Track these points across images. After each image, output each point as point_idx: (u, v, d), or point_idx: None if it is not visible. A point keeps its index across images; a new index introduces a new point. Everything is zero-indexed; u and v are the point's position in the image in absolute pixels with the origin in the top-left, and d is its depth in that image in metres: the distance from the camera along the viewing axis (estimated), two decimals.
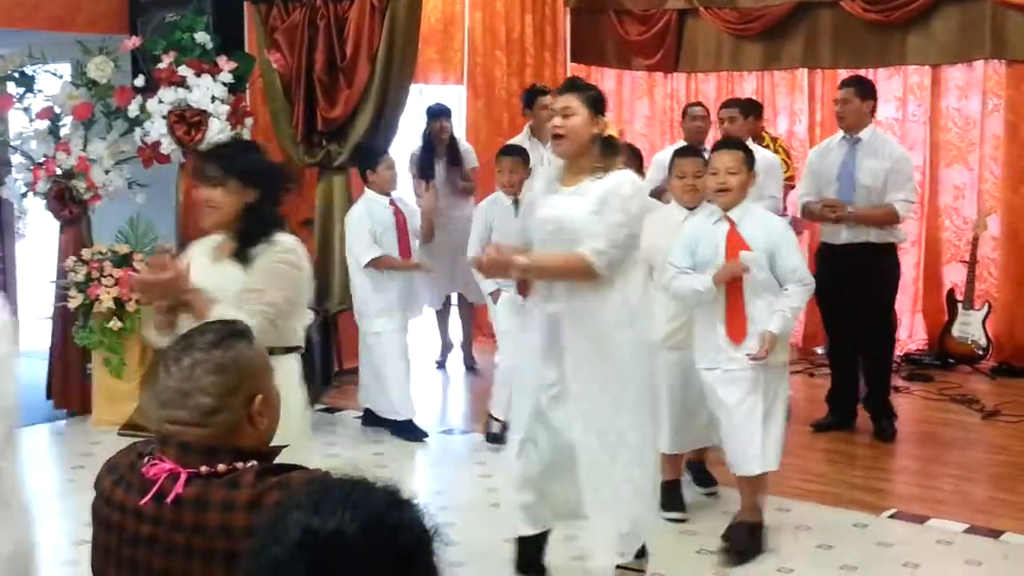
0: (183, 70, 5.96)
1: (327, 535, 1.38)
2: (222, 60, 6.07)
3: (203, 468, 1.87)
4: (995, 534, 4.48)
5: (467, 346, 7.38)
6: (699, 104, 6.82)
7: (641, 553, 3.77)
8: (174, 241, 6.11)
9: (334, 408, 6.41)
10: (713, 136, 6.72)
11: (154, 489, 1.86)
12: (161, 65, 6.00)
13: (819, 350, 7.38)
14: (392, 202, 5.91)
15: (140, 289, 3.26)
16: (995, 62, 7.18)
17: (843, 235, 5.67)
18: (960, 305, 7.12)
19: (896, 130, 7.39)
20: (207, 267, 3.22)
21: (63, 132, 6.11)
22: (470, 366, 7.32)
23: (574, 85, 3.72)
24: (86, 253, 6.03)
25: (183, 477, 1.86)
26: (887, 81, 7.48)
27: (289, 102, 6.77)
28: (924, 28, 7.27)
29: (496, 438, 5.35)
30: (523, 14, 8.30)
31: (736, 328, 4.08)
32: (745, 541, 4.16)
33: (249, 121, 6.26)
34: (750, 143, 5.98)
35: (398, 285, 5.85)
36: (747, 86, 8.15)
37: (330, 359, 6.77)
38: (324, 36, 6.59)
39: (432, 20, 7.70)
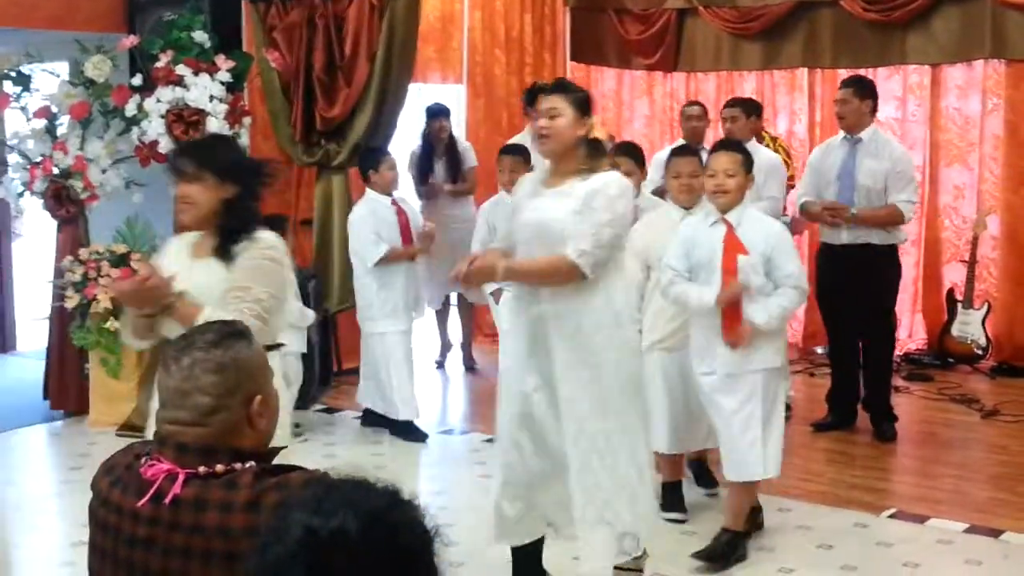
0: (181, 69, 5.95)
1: (328, 535, 1.38)
2: (220, 59, 6.05)
3: (201, 469, 1.86)
4: (995, 534, 4.48)
5: (467, 346, 7.37)
6: (696, 104, 6.81)
7: (639, 554, 3.74)
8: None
9: (333, 408, 6.40)
10: (714, 135, 6.71)
11: (152, 490, 1.86)
12: (159, 64, 5.99)
13: (819, 350, 7.37)
14: (394, 202, 5.90)
15: (122, 298, 3.19)
16: (995, 62, 7.17)
17: (843, 236, 5.66)
18: (960, 305, 7.11)
19: (896, 130, 7.38)
20: (187, 266, 3.17)
21: (60, 131, 6.10)
22: (470, 366, 7.32)
23: (561, 86, 3.69)
24: (83, 253, 6.01)
25: (181, 478, 1.85)
26: (887, 81, 7.47)
27: (288, 101, 6.76)
28: (924, 28, 7.27)
29: None
30: (522, 13, 8.29)
31: (733, 332, 4.06)
32: (724, 548, 4.14)
33: (247, 120, 6.24)
34: (752, 143, 6.00)
35: (403, 285, 5.83)
36: (747, 85, 8.15)
37: (329, 359, 6.75)
38: (323, 35, 6.59)
39: (431, 19, 7.69)
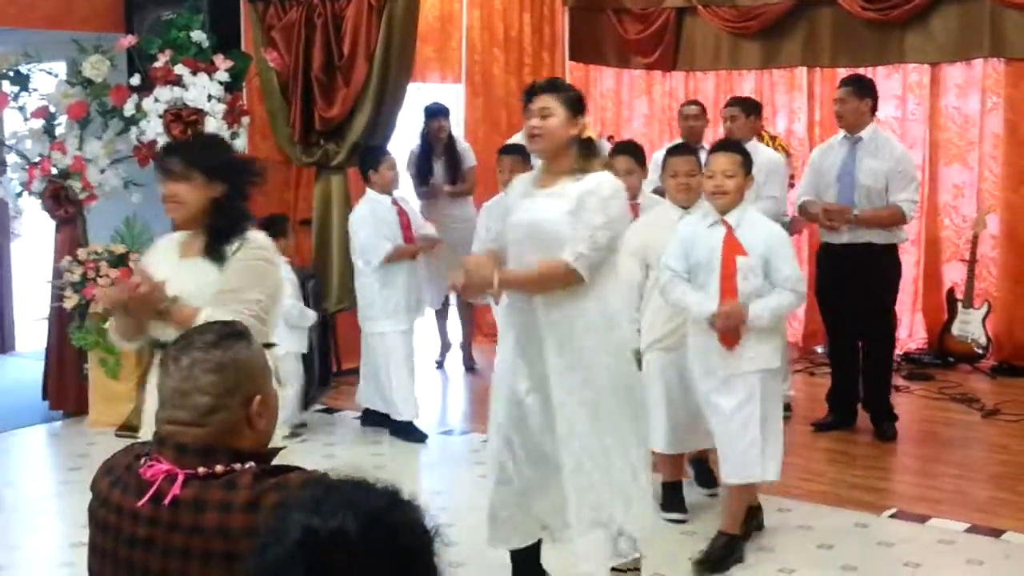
0: (179, 69, 5.94)
1: (328, 535, 1.38)
2: (218, 59, 6.05)
3: (200, 469, 1.86)
4: (996, 533, 4.47)
5: (466, 346, 7.37)
6: (694, 103, 6.81)
7: (636, 555, 3.72)
8: None
9: (333, 409, 6.39)
10: (713, 134, 6.71)
11: (151, 490, 1.86)
12: (157, 64, 5.98)
13: (819, 349, 7.37)
14: (395, 201, 5.89)
15: (114, 307, 3.13)
16: (994, 60, 7.17)
17: (844, 235, 5.64)
18: (960, 304, 7.11)
19: (895, 129, 7.38)
20: (176, 266, 3.14)
21: (58, 131, 6.09)
22: (469, 366, 7.31)
23: (553, 85, 3.66)
24: (82, 253, 6.00)
25: (180, 478, 1.85)
26: (886, 80, 7.46)
27: (286, 101, 6.76)
28: (923, 27, 7.27)
29: None
30: (521, 12, 8.29)
31: (730, 334, 4.04)
32: (721, 552, 4.13)
33: (246, 120, 6.24)
34: (754, 142, 5.99)
35: (404, 284, 5.82)
36: (746, 85, 8.15)
37: (328, 359, 6.74)
38: (321, 34, 6.58)
39: (430, 18, 7.69)
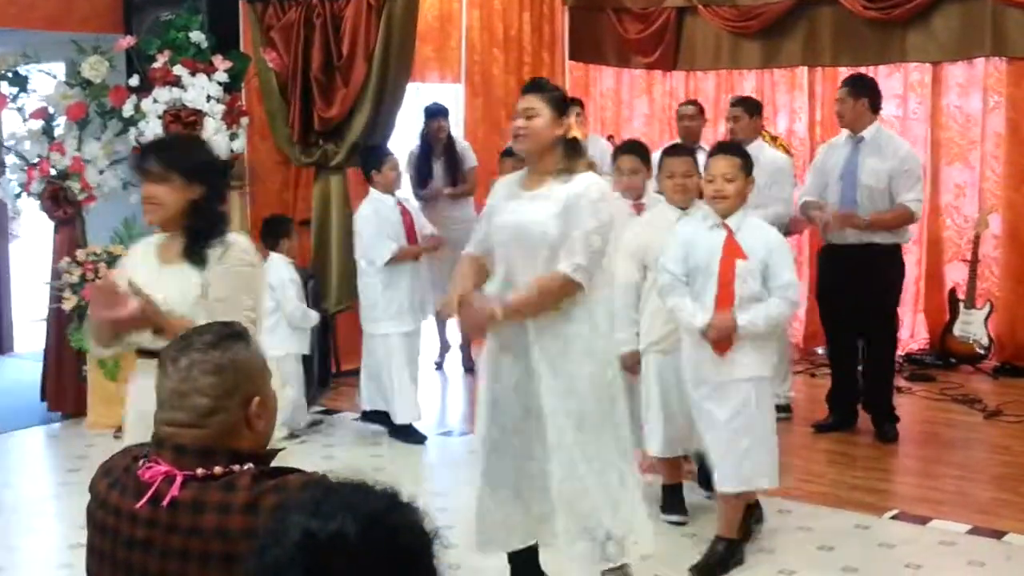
0: (178, 69, 5.94)
1: (327, 537, 1.38)
2: (217, 59, 6.04)
3: (199, 471, 1.86)
4: (998, 535, 4.46)
5: (466, 347, 7.35)
6: (692, 103, 6.80)
7: (625, 561, 3.70)
8: None
9: (332, 410, 6.38)
10: (713, 134, 6.69)
11: (150, 492, 1.85)
12: (156, 64, 5.99)
13: (820, 350, 7.35)
14: (398, 202, 5.88)
15: (110, 327, 3.06)
16: (996, 59, 7.17)
17: (848, 235, 5.61)
18: (962, 304, 7.10)
19: (897, 128, 7.35)
20: (155, 271, 3.11)
21: (57, 132, 6.09)
22: (468, 367, 7.29)
23: (537, 85, 3.66)
24: (80, 254, 5.99)
25: (179, 480, 1.85)
26: (887, 79, 7.45)
27: (285, 101, 6.75)
28: (924, 25, 7.26)
29: None
30: (521, 12, 8.29)
31: (722, 343, 4.00)
32: (719, 557, 4.11)
33: (245, 120, 6.24)
34: (759, 143, 5.99)
35: (408, 285, 5.80)
36: (746, 84, 8.14)
37: (328, 360, 6.73)
38: (320, 35, 6.58)
39: (429, 18, 7.69)
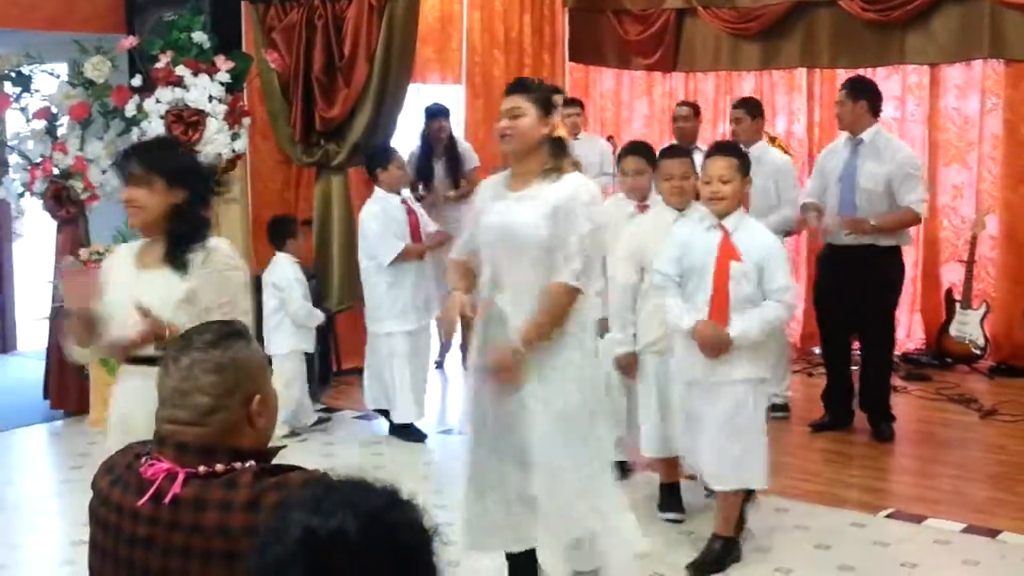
0: (180, 70, 5.96)
1: (328, 534, 1.39)
2: (220, 60, 6.06)
3: (201, 468, 1.87)
4: (993, 533, 4.48)
5: (465, 346, 7.36)
6: (686, 104, 6.82)
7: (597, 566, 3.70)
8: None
9: (332, 408, 6.40)
10: (712, 134, 6.71)
11: (152, 489, 1.86)
12: (158, 65, 6.00)
13: (816, 350, 7.37)
14: (403, 200, 5.89)
15: (86, 329, 3.04)
16: (993, 61, 7.18)
17: (846, 236, 5.60)
18: (958, 305, 7.12)
19: (895, 130, 7.37)
20: (134, 277, 3.07)
21: (60, 132, 6.11)
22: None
23: (521, 85, 3.63)
24: (83, 253, 6.01)
25: (181, 477, 1.86)
26: (886, 81, 7.46)
27: (287, 102, 6.77)
28: (923, 27, 7.27)
29: None
30: (521, 13, 8.30)
31: (714, 351, 3.99)
32: (716, 555, 4.13)
33: (247, 121, 6.25)
34: (762, 144, 6.01)
35: (413, 284, 5.79)
36: (746, 85, 8.16)
37: (329, 359, 6.76)
38: (322, 35, 6.60)
39: (430, 19, 7.70)
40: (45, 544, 4.61)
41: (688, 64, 8.43)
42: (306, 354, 6.00)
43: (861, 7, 7.37)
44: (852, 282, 5.60)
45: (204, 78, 5.98)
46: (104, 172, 6.10)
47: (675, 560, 4.16)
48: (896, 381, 6.53)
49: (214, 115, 5.97)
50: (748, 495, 4.36)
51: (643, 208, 4.69)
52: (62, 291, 3.10)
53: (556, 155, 3.53)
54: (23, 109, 6.09)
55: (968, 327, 7.08)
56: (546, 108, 3.52)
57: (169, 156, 3.14)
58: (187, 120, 5.95)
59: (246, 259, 6.63)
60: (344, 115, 6.60)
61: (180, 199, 3.04)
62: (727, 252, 3.97)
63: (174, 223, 3.04)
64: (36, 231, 8.92)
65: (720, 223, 4.01)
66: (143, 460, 1.91)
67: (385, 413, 5.94)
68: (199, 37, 6.06)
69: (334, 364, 6.92)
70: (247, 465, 1.88)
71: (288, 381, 5.77)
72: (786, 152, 6.97)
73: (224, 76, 6.05)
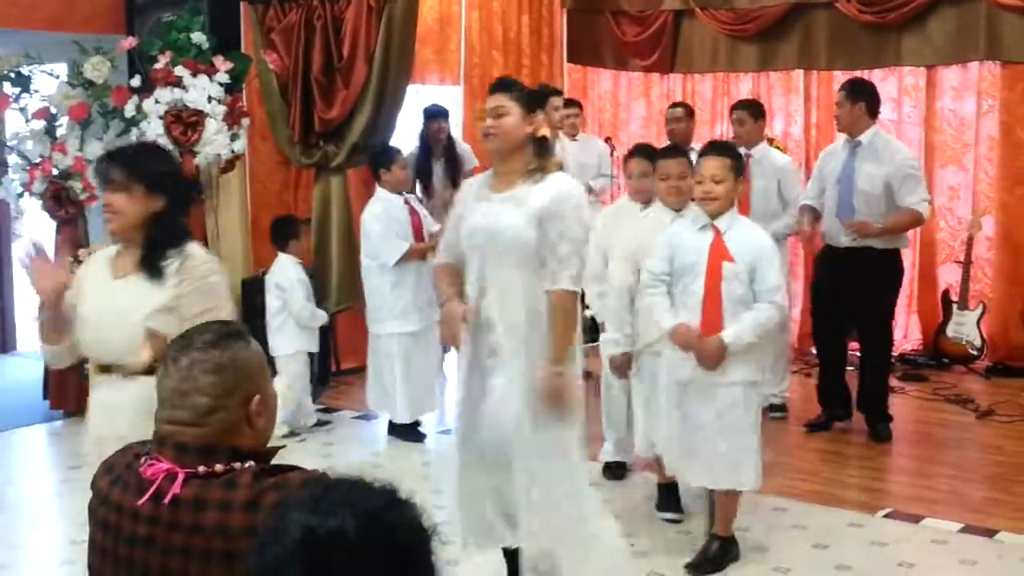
0: (179, 70, 5.97)
1: (327, 534, 1.39)
2: (218, 60, 6.07)
3: (200, 468, 1.87)
4: (990, 533, 4.50)
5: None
6: (679, 105, 6.83)
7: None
8: None
9: (332, 408, 6.41)
10: (709, 134, 6.72)
11: (151, 489, 1.86)
12: (157, 65, 6.01)
13: (814, 351, 7.38)
14: (406, 201, 5.89)
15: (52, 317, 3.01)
16: (990, 63, 7.20)
17: (844, 239, 5.61)
18: (955, 305, 7.14)
19: (891, 131, 7.39)
20: (107, 284, 3.03)
21: (59, 132, 6.11)
22: None
23: (504, 84, 3.62)
24: (82, 253, 6.02)
25: (180, 477, 1.86)
26: (883, 83, 7.47)
27: (286, 102, 6.78)
28: (919, 29, 7.29)
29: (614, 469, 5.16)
30: (520, 15, 8.31)
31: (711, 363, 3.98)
32: (716, 554, 4.14)
33: (246, 121, 6.26)
34: (764, 146, 6.02)
35: (415, 284, 5.78)
36: (743, 87, 8.18)
37: (328, 359, 6.77)
38: (321, 36, 6.60)
39: (429, 20, 7.71)
40: (45, 544, 4.62)
41: (686, 65, 8.44)
42: (309, 354, 6.01)
43: (858, 9, 7.39)
44: (850, 284, 5.60)
45: (203, 79, 5.99)
46: None
47: (673, 560, 4.18)
48: (893, 381, 6.53)
49: (213, 116, 5.98)
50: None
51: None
52: (30, 277, 3.07)
53: (540, 155, 3.52)
54: (22, 109, 6.09)
55: (965, 328, 7.10)
56: (530, 107, 3.51)
57: (150, 162, 3.08)
58: (186, 121, 5.97)
59: (245, 260, 6.72)
60: (343, 116, 6.60)
61: (159, 206, 3.00)
62: (719, 252, 3.96)
63: (152, 230, 2.99)
64: (35, 231, 8.92)
65: (712, 223, 4.00)
66: (143, 460, 1.92)
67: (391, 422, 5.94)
68: (198, 38, 6.07)
69: (333, 364, 6.93)
70: (246, 465, 1.89)
71: (290, 381, 5.79)
72: (783, 152, 6.99)
73: (223, 77, 6.06)
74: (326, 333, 6.63)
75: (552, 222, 3.42)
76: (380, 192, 5.87)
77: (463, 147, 7.33)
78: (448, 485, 5.22)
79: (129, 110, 6.03)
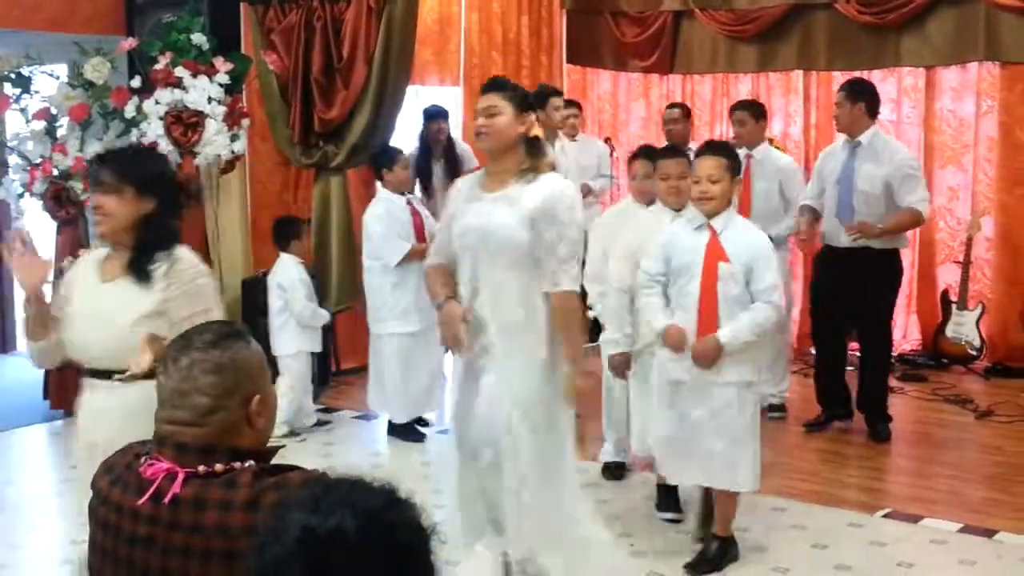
0: (180, 71, 5.97)
1: (326, 534, 1.40)
2: (219, 61, 6.08)
3: (200, 468, 1.87)
4: (989, 534, 4.50)
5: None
6: (676, 106, 6.84)
7: None
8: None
9: (332, 408, 6.42)
10: (710, 135, 6.73)
11: (151, 489, 1.87)
12: (158, 66, 6.02)
13: (814, 351, 7.38)
14: (408, 201, 5.89)
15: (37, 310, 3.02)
16: (989, 64, 7.21)
17: (844, 239, 5.60)
18: (954, 306, 7.15)
19: (891, 132, 7.39)
20: (95, 288, 3.02)
21: (60, 133, 6.12)
22: None
23: (496, 84, 3.61)
24: (83, 254, 6.01)
25: (180, 477, 1.86)
26: (882, 83, 7.47)
27: (286, 103, 6.79)
28: (918, 30, 7.30)
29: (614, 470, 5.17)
30: (519, 15, 8.32)
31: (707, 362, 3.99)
32: (716, 554, 4.15)
33: (246, 122, 6.27)
34: (765, 146, 6.03)
35: (415, 285, 5.76)
36: (742, 88, 8.19)
37: (328, 359, 6.78)
38: (321, 37, 6.61)
39: (428, 21, 7.72)
40: (45, 544, 4.62)
41: (685, 66, 8.45)
42: (311, 354, 6.02)
43: (857, 10, 7.40)
44: (850, 284, 5.61)
45: (203, 79, 6.00)
46: None
47: (673, 560, 4.18)
48: (892, 382, 6.54)
49: (213, 116, 5.99)
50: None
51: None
52: (11, 268, 3.06)
53: (533, 155, 3.52)
54: (23, 110, 6.10)
55: (964, 328, 7.11)
56: (522, 107, 3.50)
57: (141, 164, 3.07)
58: (186, 121, 5.97)
59: (245, 260, 6.72)
60: (343, 117, 6.61)
61: (150, 208, 2.98)
62: (715, 252, 3.96)
63: (142, 232, 2.97)
64: (36, 232, 8.92)
65: (708, 223, 4.00)
66: (143, 460, 1.92)
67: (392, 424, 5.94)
68: (198, 39, 6.08)
69: (333, 364, 6.93)
70: (246, 465, 1.89)
71: (292, 382, 5.79)
72: (783, 152, 6.99)
73: (223, 78, 6.06)
74: (326, 333, 6.63)
75: (547, 223, 3.42)
76: (382, 193, 5.87)
77: (463, 148, 7.33)
78: (448, 485, 5.25)
79: (129, 111, 6.03)
